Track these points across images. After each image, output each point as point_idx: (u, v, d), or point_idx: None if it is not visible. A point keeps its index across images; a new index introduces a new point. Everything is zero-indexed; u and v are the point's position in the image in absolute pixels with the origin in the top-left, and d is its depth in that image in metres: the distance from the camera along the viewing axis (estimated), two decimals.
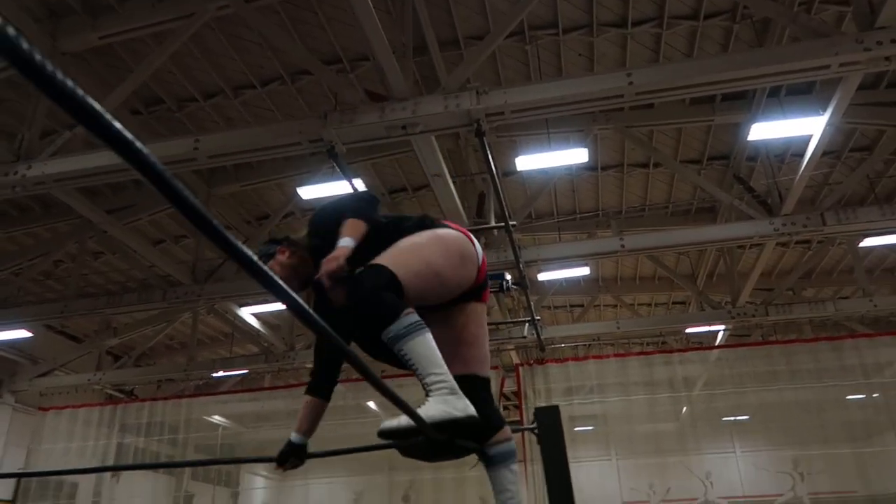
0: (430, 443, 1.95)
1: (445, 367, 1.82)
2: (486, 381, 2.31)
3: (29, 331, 10.71)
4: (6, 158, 6.38)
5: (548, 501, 2.26)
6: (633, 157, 8.90)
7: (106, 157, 6.29)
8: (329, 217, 2.25)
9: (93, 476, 12.52)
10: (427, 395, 1.79)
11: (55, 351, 12.16)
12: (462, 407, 1.76)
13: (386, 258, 1.99)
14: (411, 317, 1.85)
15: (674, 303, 13.26)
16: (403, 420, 1.77)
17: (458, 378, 1.88)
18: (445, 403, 1.74)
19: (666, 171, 9.04)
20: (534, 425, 2.28)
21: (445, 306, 2.24)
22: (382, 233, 2.18)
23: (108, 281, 11.10)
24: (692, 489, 10.39)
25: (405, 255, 2.02)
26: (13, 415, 12.17)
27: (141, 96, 7.31)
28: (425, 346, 1.82)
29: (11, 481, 11.71)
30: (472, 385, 2.12)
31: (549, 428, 2.27)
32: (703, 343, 12.75)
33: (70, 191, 7.18)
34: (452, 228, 2.23)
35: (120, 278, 11.06)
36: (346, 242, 2.06)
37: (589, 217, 10.07)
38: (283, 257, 2.29)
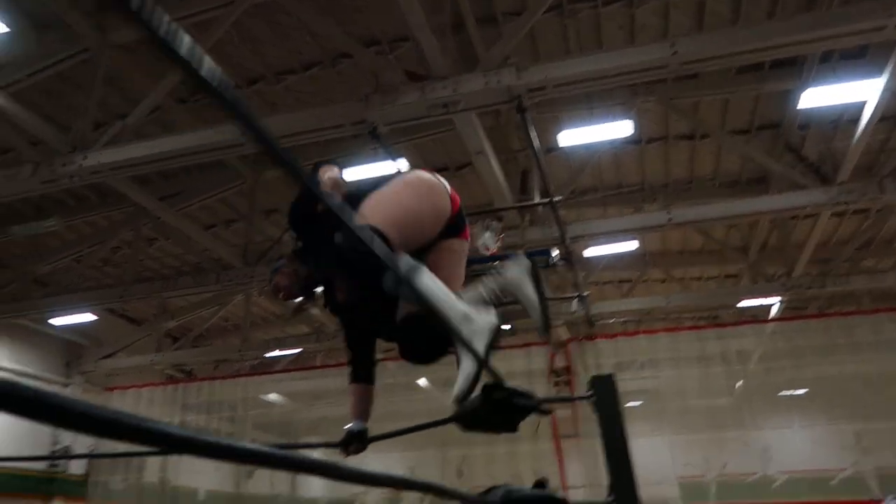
0: (490, 409, 2.02)
1: (452, 295, 1.90)
2: None
3: (94, 314, 11.20)
4: (63, 149, 6.64)
5: (605, 475, 2.25)
6: (677, 128, 8.68)
7: (156, 146, 6.50)
8: (301, 208, 2.35)
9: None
10: (457, 332, 1.84)
11: (117, 334, 12.68)
12: (485, 323, 1.84)
13: (362, 216, 2.07)
14: (405, 259, 1.93)
15: (725, 276, 12.97)
16: (462, 379, 1.83)
17: None
18: (474, 333, 1.82)
19: (712, 142, 8.81)
20: (590, 394, 2.26)
21: (429, 247, 2.28)
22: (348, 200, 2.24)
23: (164, 266, 11.46)
24: (750, 464, 10.25)
25: (379, 208, 2.09)
26: (83, 395, 12.77)
27: (187, 85, 7.47)
28: (428, 282, 1.89)
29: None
30: None
31: (606, 397, 2.24)
32: (757, 317, 12.46)
33: (123, 179, 7.43)
34: (412, 172, 2.31)
35: (174, 263, 11.41)
36: (329, 172, 2.20)
37: (634, 191, 9.90)
38: (285, 269, 2.45)
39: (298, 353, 13.51)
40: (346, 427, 2.62)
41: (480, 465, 11.08)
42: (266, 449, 0.73)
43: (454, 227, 2.33)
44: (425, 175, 2.28)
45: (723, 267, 12.36)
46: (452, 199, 2.31)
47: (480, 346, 1.78)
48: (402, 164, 7.38)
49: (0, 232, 9.62)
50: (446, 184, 2.33)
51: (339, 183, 2.20)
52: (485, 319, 1.83)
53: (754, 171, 9.42)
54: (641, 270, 12.21)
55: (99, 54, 6.58)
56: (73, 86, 7.14)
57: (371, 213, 2.07)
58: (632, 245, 10.40)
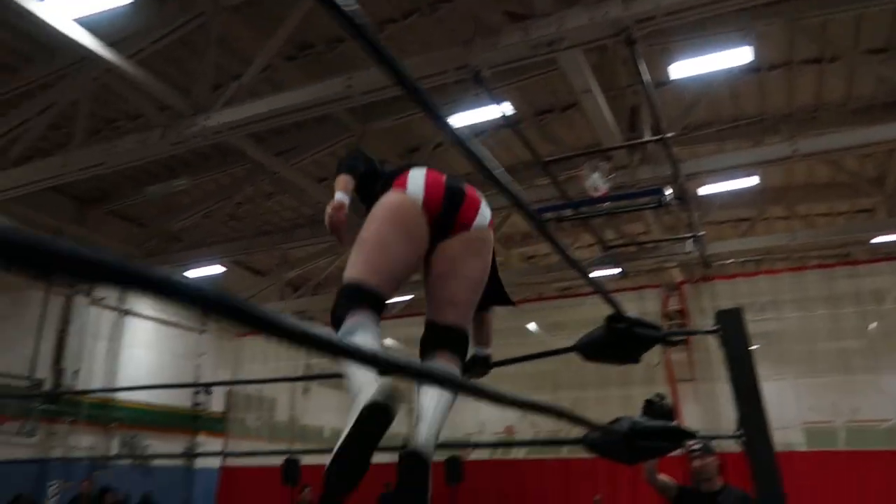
0: (612, 339, 2.08)
1: (360, 368, 1.71)
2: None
3: (222, 266, 12.01)
4: (186, 112, 7.05)
5: (723, 418, 2.21)
6: (802, 52, 8.02)
7: (270, 103, 6.76)
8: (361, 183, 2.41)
9: (287, 392, 14.11)
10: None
11: (244, 284, 13.52)
12: (360, 401, 1.62)
13: (349, 262, 2.10)
14: (343, 328, 1.84)
15: (857, 211, 12.05)
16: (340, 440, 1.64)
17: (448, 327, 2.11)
18: (353, 410, 1.64)
19: (843, 65, 8.08)
20: (716, 328, 2.20)
21: (432, 255, 2.20)
22: (377, 181, 2.31)
23: (282, 219, 12.02)
24: (884, 410, 9.70)
25: (357, 250, 2.10)
26: (218, 342, 13.86)
27: (294, 42, 7.67)
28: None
29: (222, 397, 13.50)
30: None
31: (734, 331, 2.13)
32: (894, 254, 11.56)
33: (242, 137, 7.81)
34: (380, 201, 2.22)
35: (291, 216, 11.93)
36: (337, 197, 2.27)
37: (753, 123, 9.31)
38: None
39: (411, 298, 13.91)
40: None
41: (594, 406, 11.09)
42: (396, 357, 0.78)
43: (441, 227, 2.16)
44: (387, 198, 2.17)
45: (854, 201, 11.49)
46: (428, 203, 2.13)
47: (350, 422, 1.62)
48: (506, 108, 7.30)
49: (137, 193, 10.43)
50: (418, 186, 2.15)
51: (330, 217, 2.26)
52: (364, 396, 1.63)
53: (892, 94, 8.60)
54: (761, 208, 11.56)
55: (212, 19, 6.88)
56: (191, 51, 7.51)
57: (352, 257, 2.09)
58: (752, 181, 9.82)
